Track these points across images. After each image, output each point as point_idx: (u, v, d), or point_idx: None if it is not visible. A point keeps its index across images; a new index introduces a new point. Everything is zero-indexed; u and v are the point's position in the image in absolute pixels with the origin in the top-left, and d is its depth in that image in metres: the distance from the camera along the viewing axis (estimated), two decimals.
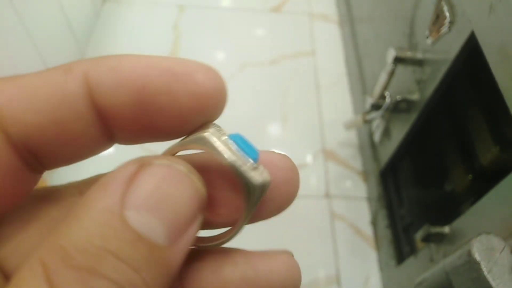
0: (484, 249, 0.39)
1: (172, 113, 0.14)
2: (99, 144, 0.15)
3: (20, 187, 0.14)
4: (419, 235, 0.55)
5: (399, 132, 0.66)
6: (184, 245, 0.12)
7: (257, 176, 0.14)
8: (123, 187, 0.12)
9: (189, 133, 0.15)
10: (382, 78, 0.64)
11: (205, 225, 0.15)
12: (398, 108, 0.64)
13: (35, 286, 0.10)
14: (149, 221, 0.11)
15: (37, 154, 0.14)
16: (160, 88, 0.13)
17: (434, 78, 0.54)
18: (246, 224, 0.15)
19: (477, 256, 0.38)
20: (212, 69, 0.14)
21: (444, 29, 0.50)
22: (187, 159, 0.15)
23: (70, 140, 0.14)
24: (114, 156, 0.35)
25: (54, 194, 0.15)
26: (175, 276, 0.12)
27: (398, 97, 0.63)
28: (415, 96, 0.60)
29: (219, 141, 0.14)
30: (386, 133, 0.71)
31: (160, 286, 0.12)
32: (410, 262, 0.62)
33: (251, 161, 0.14)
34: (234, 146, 0.14)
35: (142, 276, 0.11)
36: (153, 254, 0.11)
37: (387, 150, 0.72)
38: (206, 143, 0.14)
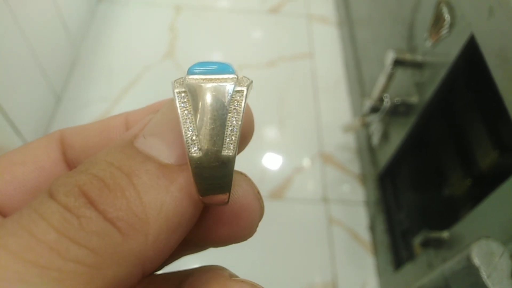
0: (483, 254, 0.39)
1: None
2: None
3: None
4: (417, 240, 0.54)
5: (397, 136, 0.66)
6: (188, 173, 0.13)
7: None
8: (138, 128, 0.14)
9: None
10: (381, 81, 0.64)
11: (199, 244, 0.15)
12: (397, 111, 0.64)
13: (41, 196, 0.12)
14: (155, 143, 0.13)
15: None
16: None
17: (433, 81, 0.54)
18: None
19: (476, 261, 0.38)
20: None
21: (444, 31, 0.50)
22: None
23: None
24: None
25: None
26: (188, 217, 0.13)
27: (397, 100, 0.62)
28: (414, 99, 0.60)
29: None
30: (385, 136, 0.71)
31: (174, 216, 0.12)
32: (408, 267, 0.61)
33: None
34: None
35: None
36: (164, 174, 0.12)
37: (386, 154, 0.71)
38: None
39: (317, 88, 0.96)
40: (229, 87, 0.12)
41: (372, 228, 0.78)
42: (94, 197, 0.11)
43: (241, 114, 0.12)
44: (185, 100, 0.12)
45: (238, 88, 0.12)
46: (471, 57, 0.46)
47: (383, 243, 0.71)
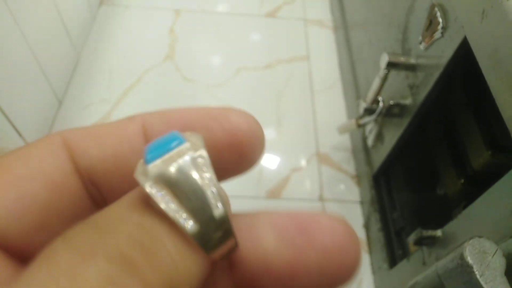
0: (476, 253, 0.39)
1: (210, 149, 0.14)
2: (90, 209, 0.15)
3: (81, 216, 0.14)
4: (411, 238, 0.54)
5: (392, 137, 0.67)
6: None
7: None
8: None
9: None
10: (376, 83, 0.64)
11: None
12: (391, 112, 0.64)
13: None
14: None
15: (99, 186, 0.15)
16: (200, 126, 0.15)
17: (427, 83, 0.54)
18: None
19: (469, 259, 0.38)
20: (247, 112, 0.16)
21: (437, 34, 0.51)
22: None
23: (127, 173, 0.14)
24: None
25: None
26: None
27: (391, 102, 0.63)
28: (408, 101, 0.60)
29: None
30: (379, 137, 0.72)
31: None
32: (403, 265, 0.62)
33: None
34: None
35: None
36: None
37: (380, 154, 0.72)
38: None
39: (313, 90, 0.97)
40: (187, 159, 0.13)
41: (367, 226, 0.78)
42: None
43: (211, 174, 0.13)
44: (162, 193, 0.12)
45: (196, 154, 0.13)
46: (464, 59, 0.47)
47: (378, 242, 0.72)
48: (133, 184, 0.13)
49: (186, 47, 1.00)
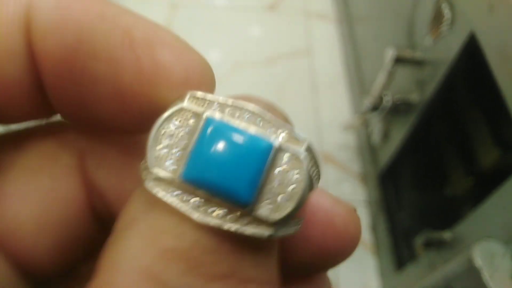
0: (485, 255, 0.39)
1: (109, 86, 0.11)
2: (33, 101, 0.12)
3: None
4: (419, 240, 0.54)
5: (398, 134, 0.66)
6: None
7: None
8: None
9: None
10: (381, 78, 0.63)
11: None
12: (397, 109, 0.63)
13: None
14: None
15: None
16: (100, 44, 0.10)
17: (434, 78, 0.53)
18: None
19: (478, 262, 0.38)
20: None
21: (444, 28, 0.50)
22: None
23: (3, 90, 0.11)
24: None
25: None
26: None
27: (397, 98, 0.62)
28: (414, 97, 0.59)
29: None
30: (385, 135, 0.71)
31: None
32: (410, 267, 0.61)
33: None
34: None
35: None
36: None
37: (386, 153, 0.71)
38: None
39: (316, 86, 0.95)
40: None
41: (373, 227, 0.77)
42: None
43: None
44: None
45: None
46: (472, 54, 0.46)
47: (384, 243, 0.71)
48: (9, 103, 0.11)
49: None
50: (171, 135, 0.10)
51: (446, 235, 0.50)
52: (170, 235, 0.09)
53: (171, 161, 0.09)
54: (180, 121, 0.10)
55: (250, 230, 0.09)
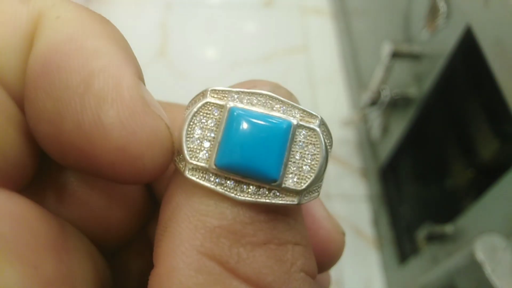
0: (487, 249, 0.39)
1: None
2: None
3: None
4: (421, 234, 0.54)
5: (397, 128, 0.65)
6: None
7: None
8: None
9: None
10: (378, 73, 0.63)
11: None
12: (396, 103, 0.63)
13: None
14: None
15: None
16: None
17: (432, 72, 0.53)
18: None
19: (480, 256, 0.38)
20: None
21: (440, 22, 0.49)
22: None
23: None
24: None
25: None
26: None
27: (395, 92, 0.62)
28: (412, 91, 0.59)
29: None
30: (384, 129, 0.70)
31: None
32: (413, 261, 0.61)
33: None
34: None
35: None
36: None
37: (386, 147, 0.71)
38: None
39: (314, 82, 0.95)
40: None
41: (375, 222, 0.77)
42: None
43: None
44: None
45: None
46: (469, 47, 0.45)
47: (387, 237, 0.71)
48: None
49: (178, 41, 0.99)
50: (201, 128, 0.11)
51: (448, 228, 0.50)
52: (213, 215, 0.11)
53: (204, 152, 0.11)
54: (206, 115, 0.11)
55: (281, 200, 0.11)
